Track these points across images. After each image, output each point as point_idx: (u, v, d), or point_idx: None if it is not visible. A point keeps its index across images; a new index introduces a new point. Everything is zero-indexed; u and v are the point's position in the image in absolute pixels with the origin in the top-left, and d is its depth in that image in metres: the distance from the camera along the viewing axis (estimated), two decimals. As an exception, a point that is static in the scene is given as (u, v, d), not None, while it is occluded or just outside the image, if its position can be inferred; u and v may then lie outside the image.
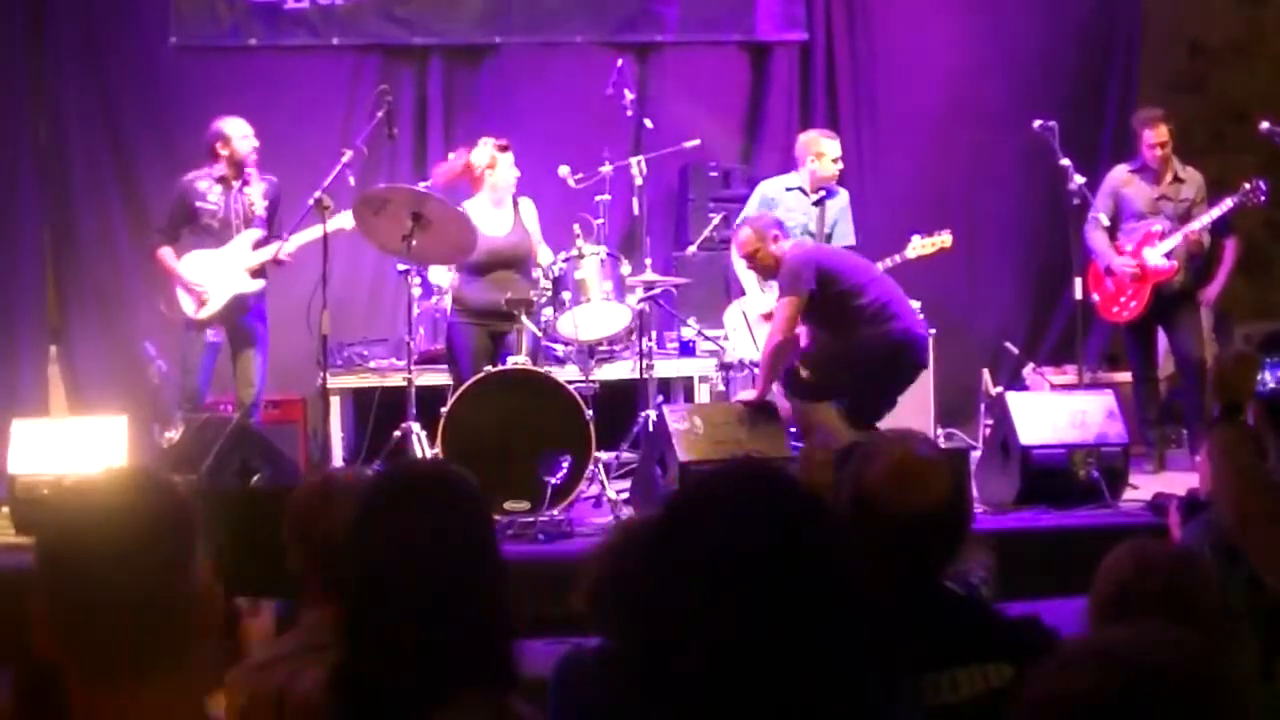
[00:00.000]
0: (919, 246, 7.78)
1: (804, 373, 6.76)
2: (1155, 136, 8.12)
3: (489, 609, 2.31)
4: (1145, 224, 8.15)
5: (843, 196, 8.04)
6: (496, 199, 7.56)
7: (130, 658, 1.72)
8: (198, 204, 7.69)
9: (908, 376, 7.10)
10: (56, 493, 1.83)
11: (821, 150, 7.95)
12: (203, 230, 7.72)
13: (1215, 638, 2.01)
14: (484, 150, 7.63)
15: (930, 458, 2.76)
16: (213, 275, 7.66)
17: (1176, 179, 8.19)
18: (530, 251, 7.61)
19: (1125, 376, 8.57)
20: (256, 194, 7.76)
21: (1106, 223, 8.11)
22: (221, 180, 7.72)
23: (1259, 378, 3.15)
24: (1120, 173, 8.30)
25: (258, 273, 7.72)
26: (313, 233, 7.40)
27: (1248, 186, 7.94)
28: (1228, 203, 8.00)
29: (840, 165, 8.01)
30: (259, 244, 7.71)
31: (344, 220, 7.32)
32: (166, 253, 7.72)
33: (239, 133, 7.70)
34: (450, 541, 2.33)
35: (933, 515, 2.66)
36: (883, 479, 2.67)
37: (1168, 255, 8.04)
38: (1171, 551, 2.39)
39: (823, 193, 7.92)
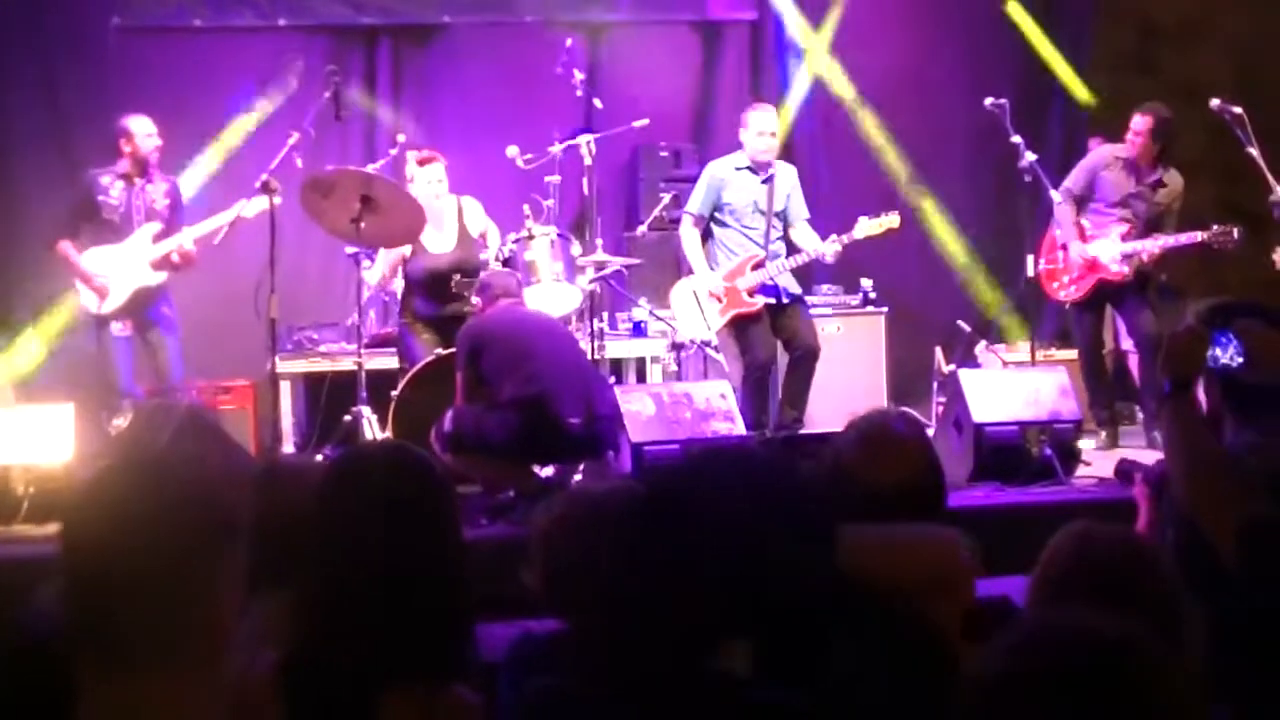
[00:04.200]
0: (867, 227, 7.74)
1: (448, 428, 6.21)
2: (1136, 123, 7.97)
3: (443, 595, 2.30)
4: (1114, 216, 8.06)
5: (790, 173, 8.00)
6: (433, 217, 7.40)
7: (143, 649, 1.70)
8: (100, 198, 7.69)
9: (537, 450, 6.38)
10: (82, 480, 1.80)
11: (748, 122, 7.88)
12: (103, 225, 7.70)
13: (1159, 624, 1.99)
14: (409, 165, 7.54)
15: (903, 434, 2.86)
16: (114, 269, 7.63)
17: (1160, 183, 8.05)
18: (476, 261, 7.42)
19: (1076, 354, 8.55)
20: (158, 192, 7.77)
21: (1071, 197, 8.06)
22: (124, 177, 7.72)
23: (1209, 353, 3.18)
24: (1106, 154, 8.17)
25: (160, 266, 7.67)
26: (208, 225, 7.53)
27: (1218, 229, 7.70)
28: (1197, 236, 7.79)
29: (774, 139, 7.88)
30: (159, 237, 7.70)
31: (258, 204, 7.29)
32: (67, 246, 7.68)
33: (143, 131, 7.68)
34: (406, 527, 2.32)
35: (901, 490, 2.73)
36: (855, 450, 2.76)
37: (1125, 258, 8.00)
38: (1118, 537, 2.37)
39: (771, 170, 7.87)
